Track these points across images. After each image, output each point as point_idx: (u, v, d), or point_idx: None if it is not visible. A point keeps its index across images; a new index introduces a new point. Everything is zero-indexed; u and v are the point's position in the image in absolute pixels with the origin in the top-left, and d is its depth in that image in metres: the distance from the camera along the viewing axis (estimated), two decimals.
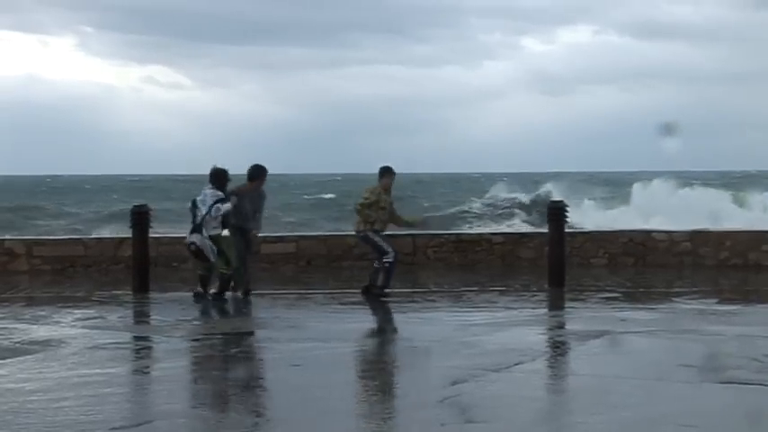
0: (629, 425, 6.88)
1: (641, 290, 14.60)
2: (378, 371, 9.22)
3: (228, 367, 9.33)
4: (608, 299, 13.47)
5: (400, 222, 13.99)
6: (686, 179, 42.85)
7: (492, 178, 66.14)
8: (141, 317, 12.87)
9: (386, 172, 13.66)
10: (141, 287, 14.29)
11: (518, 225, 36.71)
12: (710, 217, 21.97)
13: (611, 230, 18.38)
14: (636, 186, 40.16)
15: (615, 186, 49.77)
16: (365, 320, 11.99)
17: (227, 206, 13.17)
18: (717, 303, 13.11)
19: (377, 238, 13.37)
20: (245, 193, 13.51)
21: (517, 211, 41.09)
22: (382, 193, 13.49)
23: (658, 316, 11.87)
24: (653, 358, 9.23)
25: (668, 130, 13.75)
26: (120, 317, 12.42)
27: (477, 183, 64.83)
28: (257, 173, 13.64)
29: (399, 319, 12.13)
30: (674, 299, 13.38)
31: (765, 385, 7.93)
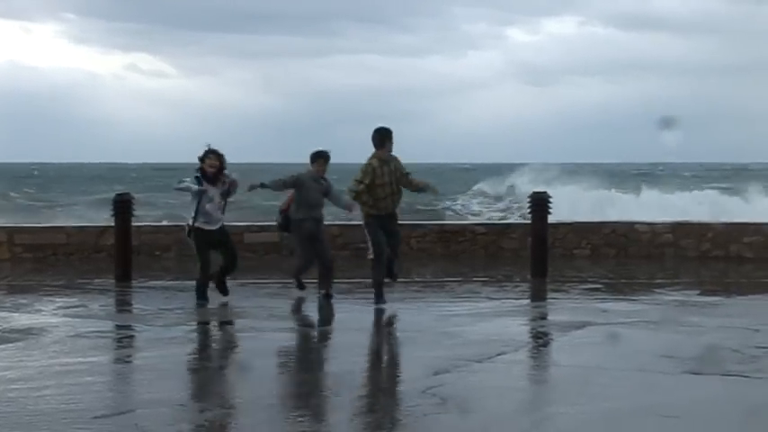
0: (611, 415, 6.91)
1: (623, 281, 14.65)
2: (360, 360, 9.22)
3: (211, 356, 9.32)
4: (590, 290, 13.52)
5: (412, 187, 12.05)
6: (673, 170, 42.73)
7: (479, 169, 66.18)
8: (123, 305, 12.83)
9: (385, 137, 11.74)
10: (123, 276, 14.25)
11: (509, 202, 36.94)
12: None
13: (593, 222, 18.43)
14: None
15: (599, 178, 49.81)
16: (348, 310, 11.99)
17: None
18: (698, 295, 13.17)
19: (366, 230, 11.91)
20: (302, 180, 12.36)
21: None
22: (378, 167, 11.58)
23: (640, 307, 11.92)
24: (634, 349, 9.27)
25: (667, 123, 13.81)
26: (101, 305, 12.38)
27: (468, 173, 64.89)
28: (316, 155, 12.46)
29: (382, 309, 12.12)
30: (655, 290, 13.44)
31: (746, 376, 7.98)
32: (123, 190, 16.35)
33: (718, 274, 15.59)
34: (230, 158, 12.95)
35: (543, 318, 11.79)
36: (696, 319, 10.85)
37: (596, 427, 6.69)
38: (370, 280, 12.07)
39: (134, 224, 15.06)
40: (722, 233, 17.33)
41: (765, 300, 12.84)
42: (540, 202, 14.72)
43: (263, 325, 10.66)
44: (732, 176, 50.07)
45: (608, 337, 9.93)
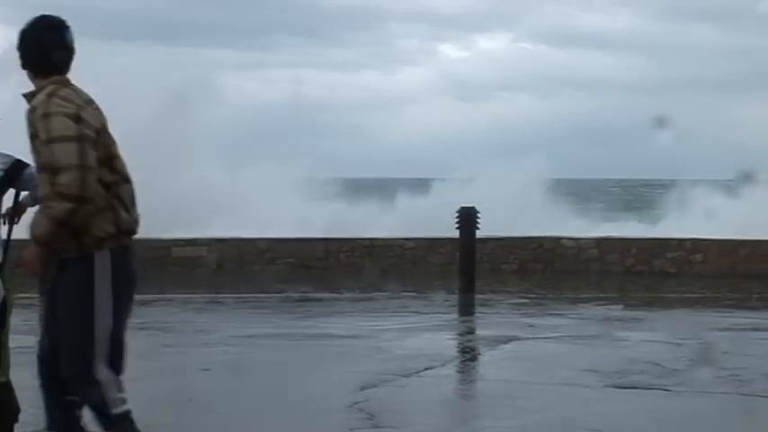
0: (536, 429, 6.98)
1: (550, 296, 14.83)
2: (287, 376, 9.19)
3: (134, 372, 9.17)
4: (517, 305, 13.66)
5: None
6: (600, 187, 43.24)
7: (404, 183, 66.41)
8: None
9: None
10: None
11: None
12: None
13: (521, 237, 18.63)
14: None
15: None
16: (275, 325, 11.94)
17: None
18: (622, 309, 13.39)
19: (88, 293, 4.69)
20: None
21: None
22: (90, 115, 4.58)
23: (566, 322, 12.07)
24: (560, 363, 9.38)
25: (660, 123, 14.07)
26: (24, 320, 12.11)
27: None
28: None
29: (310, 323, 12.10)
30: (581, 305, 13.62)
31: (667, 390, 8.13)
32: None
33: (642, 289, 15.86)
34: None
35: (471, 332, 11.87)
36: (620, 334, 11.02)
37: None
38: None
39: None
40: (646, 248, 17.65)
41: (687, 314, 13.10)
42: (467, 217, 14.81)
43: (190, 340, 10.57)
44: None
45: (534, 351, 10.04)
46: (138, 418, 7.24)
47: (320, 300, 13.70)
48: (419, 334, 11.00)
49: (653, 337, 10.81)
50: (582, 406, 7.59)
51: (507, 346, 10.19)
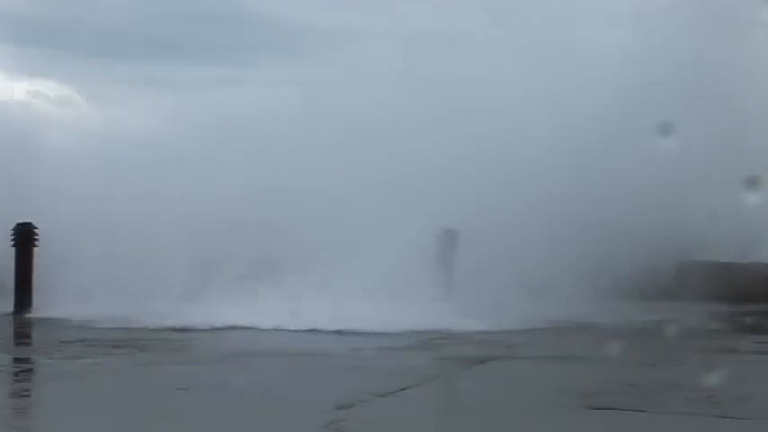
0: None
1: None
2: (263, 394, 9.17)
3: (112, 390, 9.15)
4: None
5: None
6: None
7: None
8: (22, 338, 12.55)
9: None
10: (22, 307, 13.99)
11: None
12: None
13: None
14: None
15: None
16: (251, 343, 11.92)
17: None
18: (599, 330, 13.42)
19: None
20: None
21: None
22: None
23: (543, 341, 12.10)
24: (536, 383, 9.40)
25: (664, 129, 14.10)
26: None
27: None
28: None
29: (287, 342, 12.10)
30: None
31: (642, 411, 8.17)
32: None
33: (620, 309, 15.88)
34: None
35: (447, 352, 11.87)
36: (597, 354, 11.05)
37: None
38: None
39: None
40: None
41: (662, 336, 13.14)
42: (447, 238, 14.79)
43: (166, 358, 10.54)
44: None
45: (511, 371, 10.06)
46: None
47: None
48: (395, 353, 11.00)
49: (629, 358, 10.84)
50: (559, 426, 7.61)
51: (484, 366, 10.21)
